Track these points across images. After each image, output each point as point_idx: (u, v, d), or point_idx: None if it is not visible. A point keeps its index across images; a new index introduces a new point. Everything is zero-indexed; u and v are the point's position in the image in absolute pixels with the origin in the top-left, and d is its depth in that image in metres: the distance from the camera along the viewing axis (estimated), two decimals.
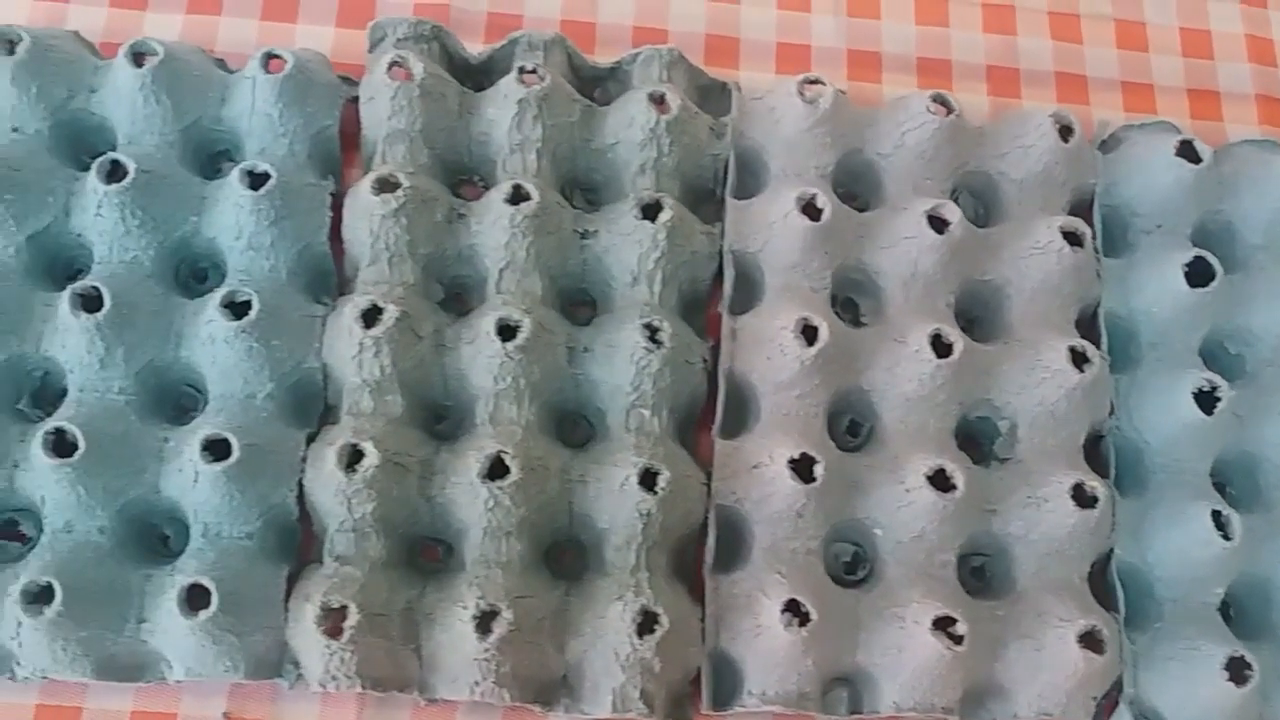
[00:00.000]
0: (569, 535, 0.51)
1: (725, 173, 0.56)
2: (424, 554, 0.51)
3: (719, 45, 0.61)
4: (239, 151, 0.55)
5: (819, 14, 0.63)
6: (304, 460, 0.49)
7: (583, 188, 0.57)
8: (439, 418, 0.52)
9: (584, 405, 0.52)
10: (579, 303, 0.55)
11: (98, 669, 0.46)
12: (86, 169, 0.53)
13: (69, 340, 0.49)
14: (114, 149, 0.53)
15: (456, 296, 0.54)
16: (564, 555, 0.51)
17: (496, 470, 0.47)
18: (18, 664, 0.46)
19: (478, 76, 0.57)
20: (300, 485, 0.48)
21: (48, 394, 0.51)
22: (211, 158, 0.55)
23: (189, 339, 0.50)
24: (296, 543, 0.49)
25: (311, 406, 0.51)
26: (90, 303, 0.48)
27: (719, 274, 0.55)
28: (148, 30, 0.58)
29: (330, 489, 0.47)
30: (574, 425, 0.53)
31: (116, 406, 0.49)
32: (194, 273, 0.54)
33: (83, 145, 0.55)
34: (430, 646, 0.47)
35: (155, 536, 0.50)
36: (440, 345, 0.51)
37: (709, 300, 0.55)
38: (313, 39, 0.59)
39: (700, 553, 0.51)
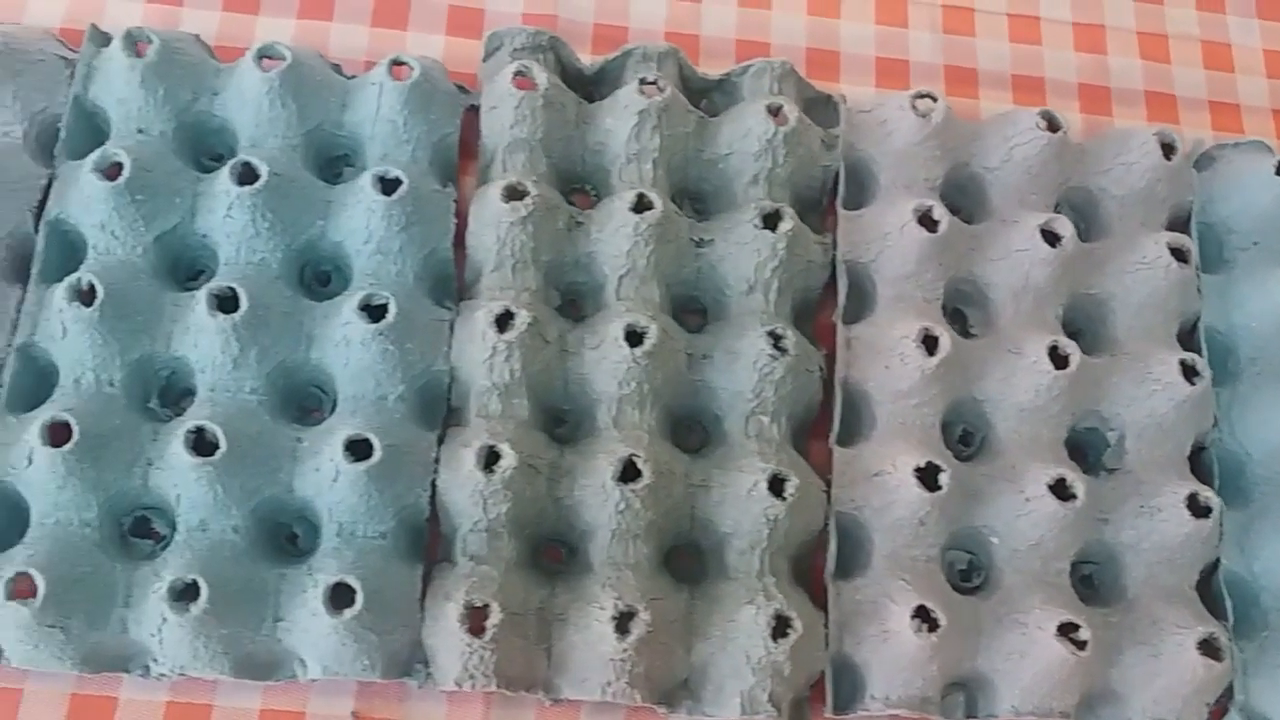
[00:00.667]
0: (688, 539, 0.51)
1: (834, 183, 0.57)
2: (546, 555, 0.51)
3: (820, 59, 0.62)
4: (359, 157, 0.55)
5: (916, 30, 0.64)
6: (436, 461, 0.49)
7: (691, 197, 0.58)
8: (558, 421, 0.53)
9: (701, 411, 0.53)
10: (689, 310, 0.56)
11: (235, 667, 0.46)
12: (206, 171, 0.54)
13: (202, 340, 0.49)
14: (234, 151, 0.54)
15: (571, 303, 0.55)
16: (679, 559, 0.52)
17: (628, 473, 0.48)
18: (154, 660, 0.46)
19: (588, 87, 0.58)
20: (433, 485, 0.49)
21: (172, 393, 0.52)
22: (330, 162, 0.56)
23: (320, 340, 0.51)
24: (424, 542, 0.50)
25: (436, 409, 0.51)
26: (226, 303, 0.49)
27: (827, 283, 0.56)
28: (259, 34, 0.59)
29: (467, 489, 0.47)
30: (689, 430, 0.54)
31: (250, 406, 0.49)
32: (317, 276, 0.54)
33: (203, 147, 0.55)
34: (561, 647, 0.47)
35: (283, 535, 0.50)
36: (563, 350, 0.52)
37: (818, 309, 0.56)
38: (423, 46, 0.60)
39: (816, 559, 0.52)
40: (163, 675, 0.47)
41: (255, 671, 0.47)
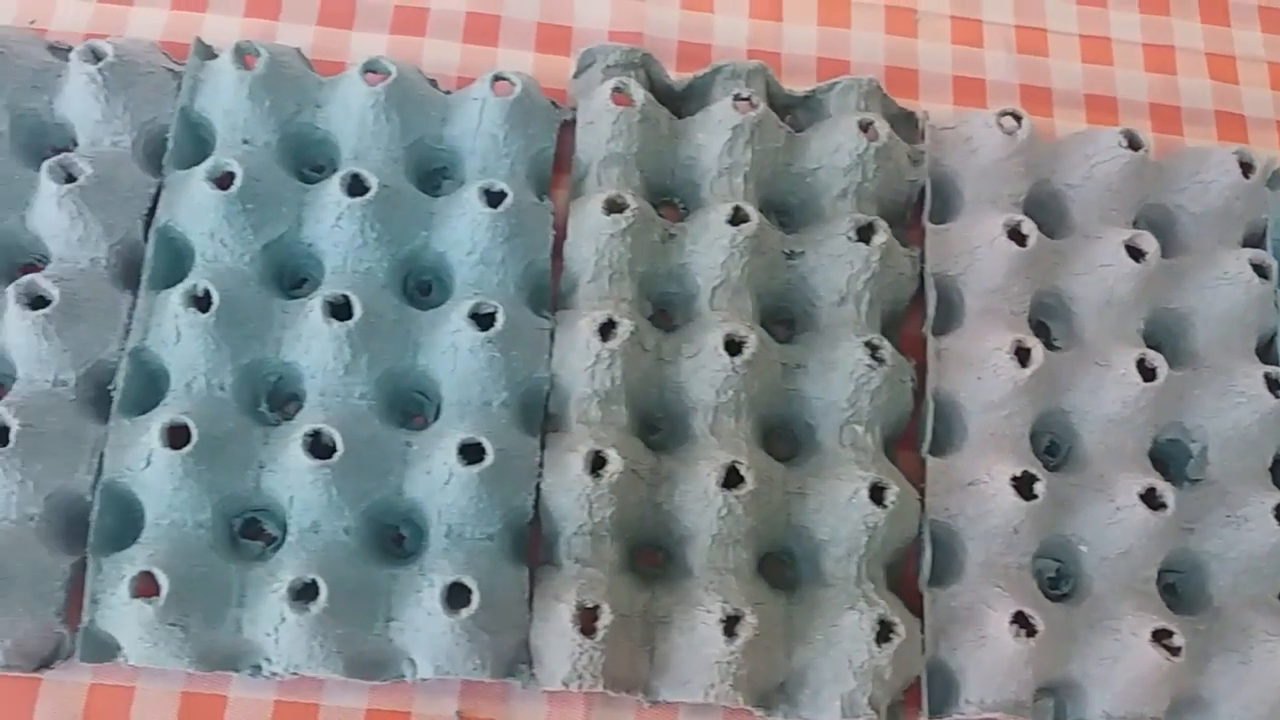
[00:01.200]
0: (781, 546, 0.52)
1: (919, 198, 0.58)
2: (641, 559, 0.52)
3: (899, 77, 0.63)
4: (457, 170, 0.57)
5: (991, 50, 0.65)
6: (540, 465, 0.50)
7: (777, 210, 0.59)
8: (651, 428, 0.54)
9: (793, 420, 0.54)
10: (777, 321, 0.57)
11: (347, 666, 0.47)
12: (307, 182, 0.55)
13: (314, 346, 0.50)
14: (335, 163, 0.56)
15: (661, 312, 0.56)
16: (769, 565, 0.53)
17: (730, 479, 0.49)
18: (267, 660, 0.47)
19: (676, 102, 0.60)
20: (537, 489, 0.50)
21: (278, 397, 0.53)
22: (428, 175, 0.57)
23: (426, 347, 0.52)
24: (526, 545, 0.51)
25: (535, 415, 0.52)
26: (339, 310, 0.50)
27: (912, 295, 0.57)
28: (354, 49, 0.61)
29: (573, 493, 0.48)
30: (779, 439, 0.55)
31: (360, 411, 0.50)
32: (418, 285, 0.55)
33: (304, 159, 0.57)
34: (664, 649, 0.48)
35: (389, 537, 0.51)
36: (659, 358, 0.53)
37: (903, 321, 0.57)
38: (513, 63, 0.61)
39: (905, 567, 0.53)
40: (274, 674, 0.48)
41: (364, 671, 0.48)
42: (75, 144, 0.56)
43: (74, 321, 0.50)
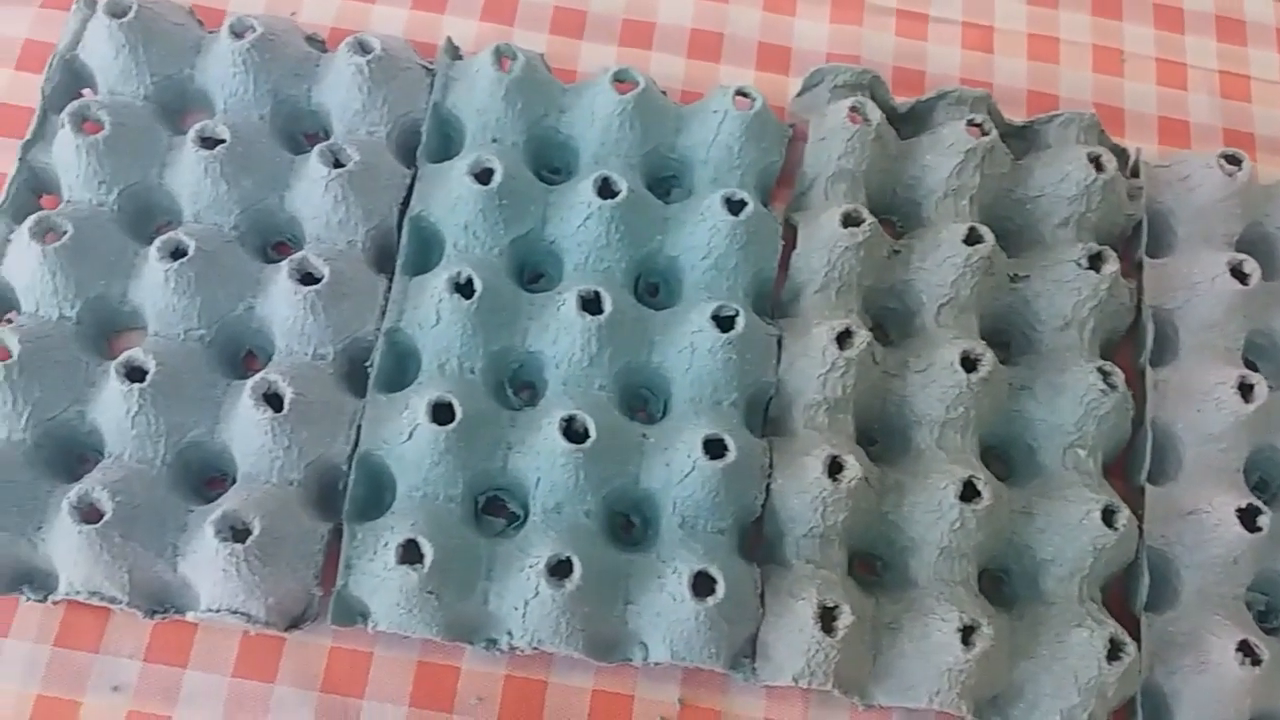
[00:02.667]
0: (999, 562, 0.53)
1: (1134, 232, 0.60)
2: (858, 566, 0.54)
3: (1105, 114, 0.64)
4: (686, 178, 0.59)
5: (1195, 93, 0.67)
6: (768, 466, 0.52)
7: (995, 234, 0.60)
8: (868, 439, 0.55)
9: (1013, 440, 0.55)
10: (994, 343, 0.58)
11: (587, 645, 0.49)
12: (545, 182, 0.58)
13: (563, 338, 0.52)
14: (573, 166, 0.58)
15: (877, 326, 0.58)
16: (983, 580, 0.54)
17: (966, 493, 0.50)
18: (509, 633, 0.49)
19: (897, 124, 0.61)
20: (767, 488, 0.51)
21: (516, 383, 0.55)
22: (658, 181, 0.59)
23: (662, 345, 0.54)
24: (747, 541, 0.52)
25: (756, 417, 0.54)
26: (590, 305, 0.52)
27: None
28: (584, 59, 0.63)
29: (808, 495, 0.50)
30: (994, 458, 0.56)
31: (600, 401, 0.52)
32: (648, 286, 0.58)
33: (544, 160, 0.59)
34: (890, 654, 0.50)
35: (619, 524, 0.53)
36: (885, 371, 0.54)
37: (1116, 350, 0.58)
38: (736, 78, 0.63)
39: (1113, 590, 0.53)
40: (514, 649, 0.49)
41: (598, 652, 0.50)
42: (327, 132, 0.59)
43: (339, 300, 0.52)
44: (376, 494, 0.52)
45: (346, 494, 0.51)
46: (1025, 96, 0.65)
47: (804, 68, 0.63)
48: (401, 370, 0.54)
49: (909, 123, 0.62)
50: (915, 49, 0.66)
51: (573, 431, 0.50)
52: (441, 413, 0.50)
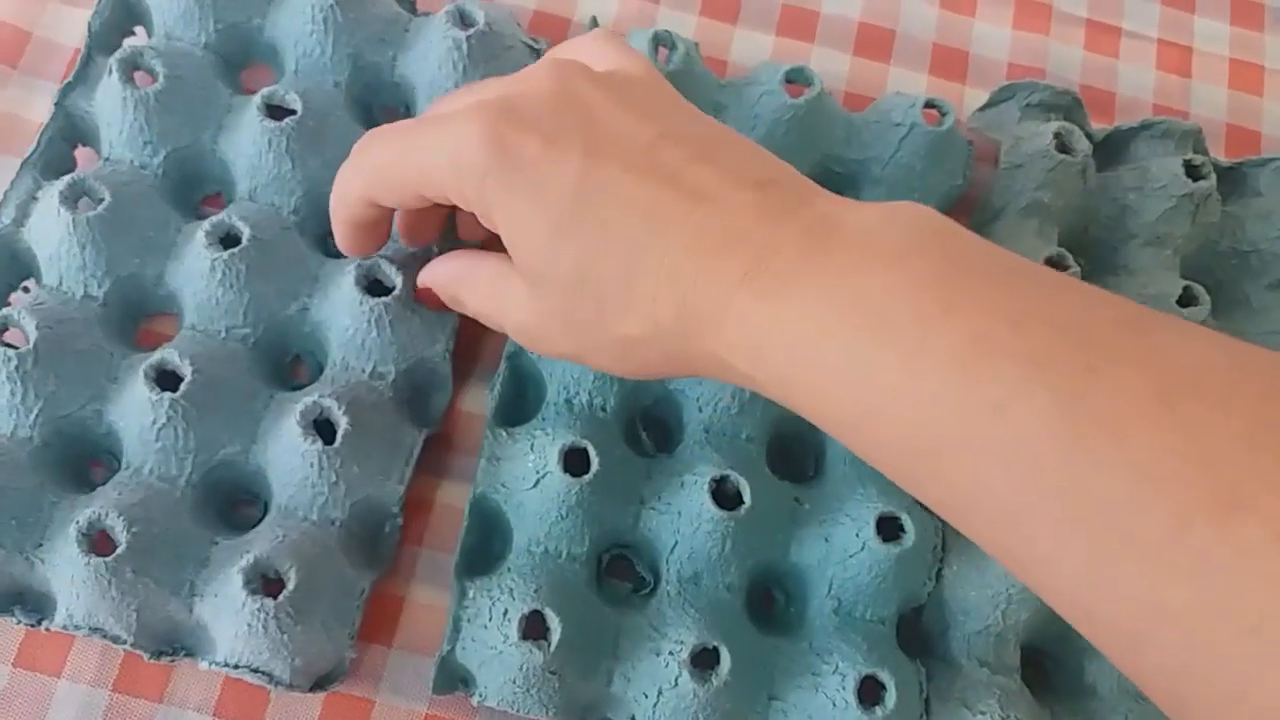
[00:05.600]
0: None
1: None
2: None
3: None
4: (852, 195, 0.51)
5: None
6: (941, 548, 0.45)
7: None
8: None
9: None
10: None
11: None
12: None
13: (708, 380, 0.45)
14: None
15: None
16: None
17: None
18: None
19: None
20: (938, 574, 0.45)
21: (646, 420, 0.48)
22: None
23: None
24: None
25: None
26: None
27: None
28: (736, 47, 0.56)
29: (990, 590, 0.43)
30: None
31: (750, 456, 0.45)
32: None
33: None
34: None
35: (759, 598, 0.46)
36: None
37: None
38: (905, 84, 0.56)
39: None
40: None
41: None
42: (409, 109, 0.51)
43: (409, 315, 0.45)
44: (485, 540, 0.45)
45: (458, 544, 0.44)
46: (1224, 131, 0.58)
47: (981, 76, 0.56)
48: (523, 400, 0.47)
49: (1101, 151, 0.54)
50: (1105, 66, 0.58)
51: (722, 493, 0.43)
52: (574, 460, 0.43)
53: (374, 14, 0.51)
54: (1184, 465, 0.26)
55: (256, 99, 0.47)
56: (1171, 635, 0.26)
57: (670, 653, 0.41)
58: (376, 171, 0.39)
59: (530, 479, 0.43)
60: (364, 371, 0.45)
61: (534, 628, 0.41)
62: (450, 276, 0.43)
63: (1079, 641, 0.45)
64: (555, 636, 0.40)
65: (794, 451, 0.48)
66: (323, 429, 0.43)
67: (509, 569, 0.43)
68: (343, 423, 0.42)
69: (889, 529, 0.43)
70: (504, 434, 0.45)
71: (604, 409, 0.46)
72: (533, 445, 0.44)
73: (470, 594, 0.43)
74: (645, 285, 0.34)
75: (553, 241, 0.35)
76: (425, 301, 0.45)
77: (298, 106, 0.47)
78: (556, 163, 0.34)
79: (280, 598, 0.39)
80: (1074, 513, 0.27)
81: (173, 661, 0.43)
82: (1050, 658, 0.47)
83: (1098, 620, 0.29)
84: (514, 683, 0.41)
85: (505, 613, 0.41)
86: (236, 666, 0.41)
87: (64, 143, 0.49)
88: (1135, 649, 0.28)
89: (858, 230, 0.32)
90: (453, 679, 0.43)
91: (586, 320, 0.36)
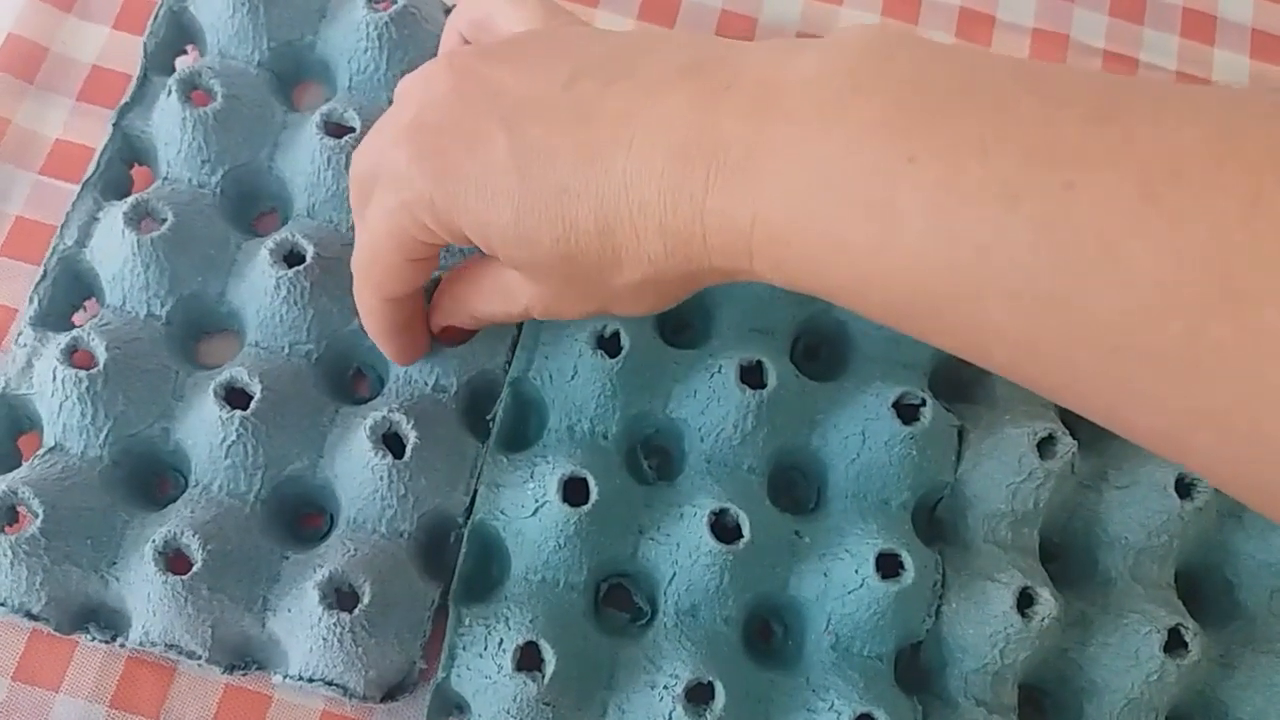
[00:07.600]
0: (1185, 714, 0.46)
1: None
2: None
3: None
4: None
5: None
6: (941, 585, 0.45)
7: None
8: (1046, 555, 0.48)
9: (1208, 571, 0.48)
10: None
11: None
12: None
13: (713, 408, 0.45)
14: None
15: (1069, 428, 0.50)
16: None
17: (1170, 642, 0.43)
18: None
19: None
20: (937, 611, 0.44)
21: (647, 448, 0.48)
22: None
23: (824, 427, 0.46)
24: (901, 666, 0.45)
25: (922, 518, 0.47)
26: (749, 375, 0.45)
27: None
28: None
29: (989, 629, 0.43)
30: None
31: (751, 487, 0.45)
32: (806, 349, 0.50)
33: None
34: None
35: (755, 630, 0.46)
36: (1081, 482, 0.47)
37: None
38: None
39: None
40: None
41: None
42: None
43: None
44: (483, 566, 0.45)
45: (456, 568, 0.44)
46: None
47: None
48: (525, 425, 0.47)
49: None
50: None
51: (721, 526, 0.43)
52: (574, 489, 0.43)
53: (428, 30, 0.51)
54: (1180, 266, 0.25)
55: (315, 116, 0.47)
56: (1208, 440, 0.26)
57: (665, 686, 0.41)
58: (370, 265, 0.40)
59: (529, 507, 0.43)
60: (427, 385, 0.46)
61: (529, 658, 0.41)
62: (455, 300, 0.43)
63: (1077, 681, 0.45)
64: (550, 669, 0.40)
65: (796, 482, 0.48)
66: (390, 443, 0.43)
67: (506, 597, 0.43)
68: (411, 436, 0.43)
69: (889, 566, 0.43)
70: (504, 460, 0.45)
71: (605, 436, 0.46)
72: (533, 473, 0.44)
73: (466, 621, 0.43)
74: (624, 231, 0.33)
75: (520, 229, 0.35)
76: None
77: (356, 124, 0.47)
78: (485, 152, 0.34)
79: (355, 611, 0.40)
80: (1085, 340, 0.27)
81: (244, 674, 0.43)
82: (1048, 697, 0.46)
83: (1138, 431, 0.29)
84: (508, 712, 0.41)
85: (500, 642, 0.41)
86: (311, 680, 0.42)
87: (122, 163, 0.50)
88: (1182, 453, 0.28)
89: (796, 91, 0.31)
90: (447, 706, 0.43)
91: (590, 282, 0.36)
